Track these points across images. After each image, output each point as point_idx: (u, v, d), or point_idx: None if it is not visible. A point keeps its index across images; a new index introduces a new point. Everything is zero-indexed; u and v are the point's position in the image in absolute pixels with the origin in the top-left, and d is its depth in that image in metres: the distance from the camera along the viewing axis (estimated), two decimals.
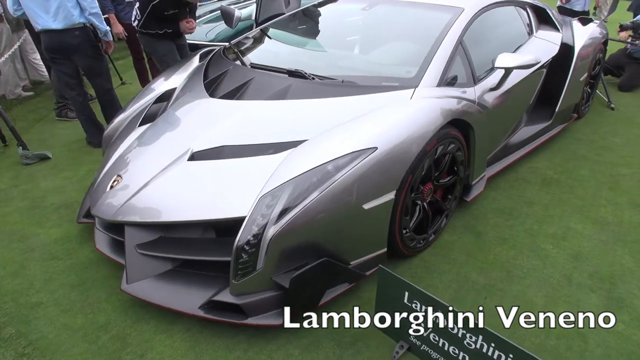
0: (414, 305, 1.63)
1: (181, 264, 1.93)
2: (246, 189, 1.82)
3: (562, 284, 2.04)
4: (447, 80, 2.22)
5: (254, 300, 1.72)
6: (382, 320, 1.76)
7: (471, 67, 2.37)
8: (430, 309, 1.57)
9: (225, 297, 1.74)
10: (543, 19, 3.27)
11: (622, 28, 4.08)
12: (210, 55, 3.01)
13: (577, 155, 3.12)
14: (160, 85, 2.84)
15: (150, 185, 1.98)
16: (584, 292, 1.99)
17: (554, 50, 3.04)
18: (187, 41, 5.29)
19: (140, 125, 2.45)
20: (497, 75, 2.44)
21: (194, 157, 2.03)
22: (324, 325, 1.72)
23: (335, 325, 1.81)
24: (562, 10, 4.73)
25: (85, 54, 3.25)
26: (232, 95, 2.34)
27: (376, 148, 1.78)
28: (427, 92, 2.08)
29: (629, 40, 4.07)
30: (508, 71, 2.33)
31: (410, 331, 1.68)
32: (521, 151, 2.93)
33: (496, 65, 2.23)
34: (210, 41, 4.98)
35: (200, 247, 1.90)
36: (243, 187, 1.84)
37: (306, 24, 3.05)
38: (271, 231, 1.67)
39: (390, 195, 1.83)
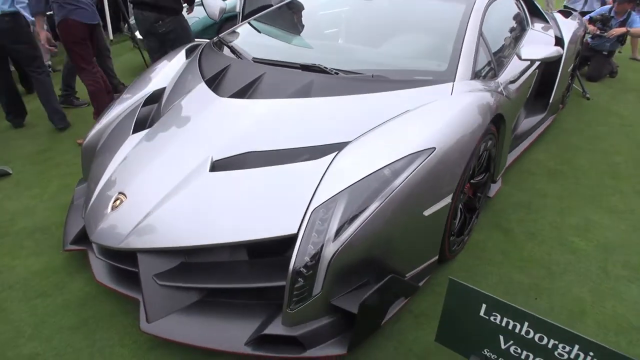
0: (492, 318, 1.46)
1: (208, 294, 1.62)
2: (289, 201, 1.55)
3: (601, 277, 1.99)
4: (477, 73, 2.08)
5: (310, 330, 1.46)
6: (449, 335, 1.60)
7: (492, 58, 2.25)
8: (512, 321, 1.43)
9: (277, 329, 1.46)
10: (532, 11, 3.26)
11: (592, 20, 4.23)
12: (198, 50, 2.65)
13: (572, 145, 3.15)
14: (146, 85, 2.45)
15: (167, 203, 1.64)
16: (623, 283, 1.95)
17: (552, 42, 3.03)
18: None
19: (134, 132, 2.07)
20: (516, 67, 2.35)
21: (215, 167, 1.72)
22: (381, 346, 1.52)
23: (395, 344, 1.63)
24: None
25: (15, 39, 3.24)
26: (243, 93, 2.03)
27: (434, 149, 1.58)
28: (465, 86, 1.92)
29: (597, 32, 4.24)
30: (530, 63, 2.24)
31: (485, 345, 1.53)
32: (525, 143, 2.89)
33: (523, 57, 2.13)
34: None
35: (233, 273, 1.60)
36: (285, 200, 1.56)
37: (304, 15, 2.78)
38: (330, 249, 1.42)
39: (448, 199, 1.65)
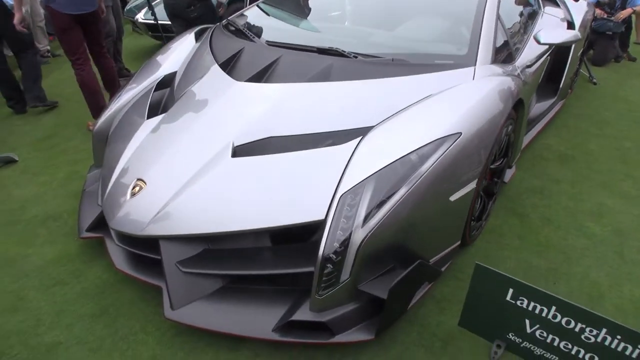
0: (519, 302, 1.46)
1: (231, 281, 1.61)
2: (315, 187, 1.52)
3: (617, 261, 1.99)
4: (496, 57, 2.04)
5: (338, 316, 1.45)
6: (473, 319, 1.61)
7: (509, 42, 2.21)
8: (539, 305, 1.43)
9: (306, 315, 1.45)
10: None
11: (599, 4, 4.19)
12: (208, 34, 2.58)
13: (581, 130, 3.14)
14: (156, 70, 2.39)
15: (189, 189, 1.61)
16: (639, 267, 1.97)
17: (565, 26, 2.99)
18: (146, 21, 4.67)
19: (148, 117, 2.02)
20: (532, 51, 2.31)
21: (237, 152, 1.68)
22: (406, 331, 1.53)
23: (418, 329, 1.63)
24: None
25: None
26: (259, 77, 1.98)
27: (460, 134, 1.55)
28: (487, 70, 1.88)
29: (605, 16, 4.20)
30: (546, 47, 2.20)
31: (510, 329, 1.53)
32: (537, 128, 2.88)
33: (542, 41, 2.09)
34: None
35: (257, 259, 1.58)
36: (310, 186, 1.53)
37: None
38: (359, 235, 1.40)
39: (473, 184, 1.63)
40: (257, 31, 2.42)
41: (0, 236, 2.13)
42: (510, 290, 1.47)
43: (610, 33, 4.26)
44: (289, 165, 1.60)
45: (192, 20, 3.34)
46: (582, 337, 1.38)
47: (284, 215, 1.50)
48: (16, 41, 3.35)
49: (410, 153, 1.50)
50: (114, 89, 3.34)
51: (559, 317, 1.40)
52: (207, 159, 1.67)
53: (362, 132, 1.65)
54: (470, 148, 1.58)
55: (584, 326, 1.36)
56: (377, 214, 1.42)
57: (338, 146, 1.61)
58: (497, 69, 1.95)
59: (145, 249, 1.68)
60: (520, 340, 1.52)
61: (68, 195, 2.44)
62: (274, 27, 2.54)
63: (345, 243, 1.39)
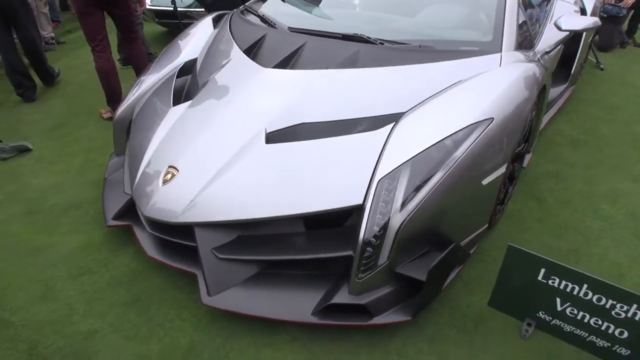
0: (550, 282, 1.49)
1: (266, 266, 1.62)
2: (350, 172, 1.52)
3: (634, 242, 2.03)
4: (519, 44, 2.04)
5: (376, 298, 1.47)
6: (503, 299, 1.64)
7: (529, 28, 2.21)
8: (571, 283, 1.46)
9: (345, 298, 1.47)
10: None
11: None
12: (226, 20, 2.55)
13: (591, 116, 3.17)
14: (176, 57, 2.35)
15: (223, 176, 1.60)
16: None
17: (579, 12, 2.99)
18: (154, 7, 4.58)
19: (174, 104, 2.00)
20: (550, 37, 2.32)
21: (269, 138, 1.67)
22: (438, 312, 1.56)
23: (449, 310, 1.67)
24: None
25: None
26: (285, 64, 1.96)
27: (492, 119, 1.56)
28: (512, 57, 1.87)
29: (613, 2, 4.21)
30: (564, 34, 2.21)
31: (540, 308, 1.57)
32: (550, 113, 2.90)
33: (564, 27, 2.10)
34: (187, 7, 4.35)
35: (293, 245, 1.58)
36: (346, 171, 1.53)
37: None
38: (397, 219, 1.41)
39: (503, 169, 1.65)
40: (277, 17, 2.39)
41: (22, 225, 2.11)
42: (542, 270, 1.50)
43: (621, 16, 4.27)
44: (323, 151, 1.60)
45: (208, 6, 3.32)
46: (613, 313, 1.41)
47: (321, 201, 1.50)
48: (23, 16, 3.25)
49: (445, 138, 1.50)
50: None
51: (590, 294, 1.43)
52: (240, 146, 1.66)
53: (393, 118, 1.65)
54: (501, 133, 1.59)
55: (614, 302, 1.40)
56: (415, 199, 1.43)
57: (372, 132, 1.61)
58: (520, 55, 1.95)
59: (178, 236, 1.68)
60: (551, 318, 1.55)
61: (87, 184, 2.42)
62: (293, 13, 2.51)
63: (384, 227, 1.40)
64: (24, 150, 2.68)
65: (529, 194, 2.35)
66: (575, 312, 1.48)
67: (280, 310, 1.51)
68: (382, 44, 1.94)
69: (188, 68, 2.27)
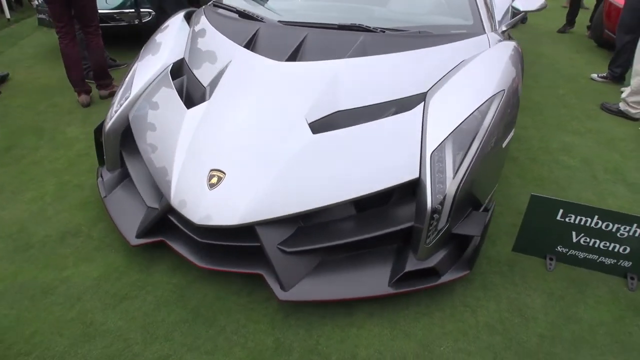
0: (567, 219, 1.78)
1: (329, 251, 1.64)
2: (399, 150, 1.61)
3: (594, 183, 2.42)
4: (492, 25, 2.30)
5: (439, 260, 1.60)
6: (525, 243, 1.89)
7: (492, 10, 2.49)
8: (584, 217, 1.76)
9: (416, 264, 1.57)
10: None
11: None
12: (200, 16, 2.41)
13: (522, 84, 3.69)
14: (159, 59, 2.17)
15: (276, 171, 1.56)
16: (611, 184, 2.41)
17: None
18: None
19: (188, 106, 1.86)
20: (507, 18, 2.65)
21: (314, 128, 1.67)
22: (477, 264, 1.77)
23: (486, 261, 1.87)
24: None
25: None
26: (294, 56, 1.96)
27: (504, 90, 1.75)
28: (494, 37, 2.11)
29: None
30: (519, 14, 2.55)
31: (558, 243, 1.86)
32: None
33: (522, 9, 2.43)
34: (112, 9, 3.92)
35: (352, 226, 1.63)
36: (394, 150, 1.61)
37: None
38: (453, 186, 1.53)
39: (513, 132, 1.89)
40: (259, 11, 2.34)
41: (15, 264, 1.79)
42: (560, 210, 1.77)
43: None
44: (367, 135, 1.65)
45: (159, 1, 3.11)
46: (618, 234, 1.74)
47: (379, 181, 1.56)
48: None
49: (474, 111, 1.67)
50: (102, 75, 3.20)
51: (600, 223, 1.74)
52: (284, 139, 1.64)
53: (418, 98, 1.77)
54: (511, 101, 1.80)
55: (619, 226, 1.72)
56: (463, 166, 1.57)
57: (406, 113, 1.70)
58: (497, 35, 2.21)
59: (234, 240, 1.61)
60: (567, 250, 1.85)
61: (73, 208, 2.12)
62: (272, 6, 2.46)
63: (444, 194, 1.54)
64: None
65: None
66: (588, 240, 1.79)
67: (357, 288, 1.56)
68: (384, 31, 2.04)
69: (176, 69, 2.12)
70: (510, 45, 2.03)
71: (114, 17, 3.93)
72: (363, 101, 1.77)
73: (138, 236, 1.76)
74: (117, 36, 4.03)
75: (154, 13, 4.11)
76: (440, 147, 1.58)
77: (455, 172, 1.56)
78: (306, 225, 1.62)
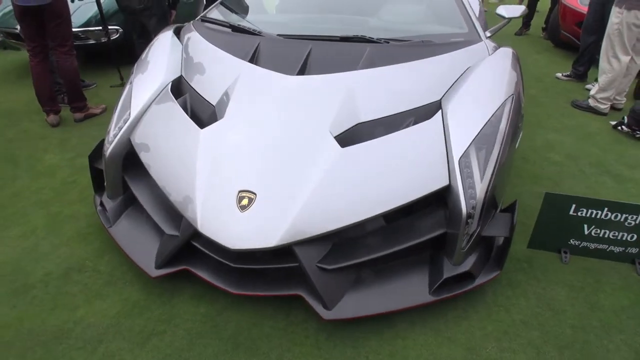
0: (579, 213, 1.89)
1: (364, 265, 1.63)
2: (426, 159, 1.64)
3: (583, 177, 2.59)
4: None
5: (472, 263, 1.64)
6: (540, 239, 1.99)
7: (479, 18, 2.62)
8: (595, 210, 1.88)
9: (453, 270, 1.59)
10: None
11: None
12: (191, 32, 2.35)
13: None
14: (156, 78, 2.07)
15: (310, 188, 1.52)
16: (598, 177, 2.59)
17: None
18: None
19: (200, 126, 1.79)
20: (484, 23, 2.79)
21: (340, 142, 1.66)
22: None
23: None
24: None
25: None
26: (302, 70, 1.95)
27: (513, 95, 1.85)
28: (491, 43, 2.21)
29: None
30: (504, 21, 2.70)
31: (571, 237, 1.97)
32: None
33: (507, 16, 2.57)
34: (78, 27, 3.71)
35: (386, 239, 1.63)
36: (421, 159, 1.64)
37: None
38: (481, 190, 1.59)
39: (521, 133, 1.99)
40: (252, 25, 2.31)
41: (19, 309, 1.61)
42: (573, 205, 1.89)
43: None
44: (395, 145, 1.67)
45: (141, 11, 3.13)
46: (625, 224, 1.87)
47: (411, 191, 1.58)
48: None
49: (491, 117, 1.73)
50: (77, 96, 3.06)
51: (610, 215, 1.87)
52: (314, 155, 1.61)
53: (433, 106, 1.82)
54: (519, 105, 1.90)
55: (627, 215, 1.85)
56: (488, 170, 1.63)
57: (428, 121, 1.74)
58: (491, 42, 2.32)
59: (267, 262, 1.56)
60: (579, 242, 1.97)
61: (72, 241, 1.96)
62: (265, 20, 2.44)
63: (475, 198, 1.59)
64: None
65: None
66: (598, 231, 1.91)
67: (400, 299, 1.56)
68: (388, 42, 2.09)
69: (174, 88, 2.03)
70: (509, 51, 2.14)
71: (79, 36, 3.72)
72: (382, 112, 1.79)
73: (158, 267, 1.66)
74: (81, 55, 3.82)
75: (121, 30, 3.94)
76: (466, 153, 1.63)
77: (482, 176, 1.61)
78: (340, 242, 1.61)
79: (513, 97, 1.84)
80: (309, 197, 1.52)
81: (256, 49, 2.07)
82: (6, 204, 2.21)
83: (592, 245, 1.95)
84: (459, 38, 2.21)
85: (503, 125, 1.74)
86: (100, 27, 3.66)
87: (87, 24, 3.76)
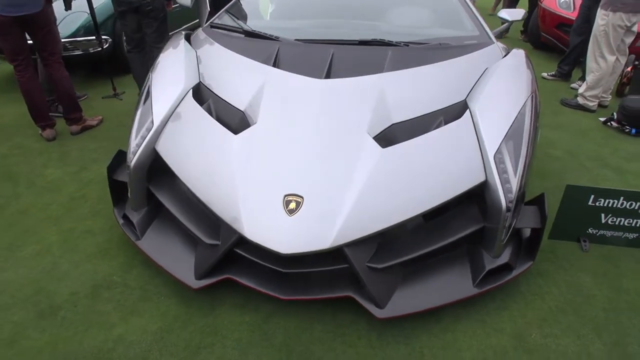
0: (597, 203, 2.03)
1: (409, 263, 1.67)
2: (462, 156, 1.71)
3: (584, 170, 2.75)
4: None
5: (509, 254, 1.73)
6: (560, 230, 2.11)
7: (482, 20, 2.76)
8: (612, 199, 2.02)
9: (493, 262, 1.66)
10: None
11: None
12: (205, 39, 2.36)
13: None
14: (176, 84, 2.05)
15: (356, 189, 1.55)
16: (599, 170, 2.77)
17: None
18: None
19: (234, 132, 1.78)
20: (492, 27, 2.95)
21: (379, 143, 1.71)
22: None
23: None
24: None
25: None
26: (329, 74, 1.99)
27: (532, 94, 1.97)
28: (502, 45, 2.33)
29: None
30: (506, 24, 2.86)
31: (589, 226, 2.10)
32: None
33: (510, 19, 2.73)
34: (65, 38, 3.59)
35: (428, 236, 1.69)
36: (458, 156, 1.71)
37: None
38: (516, 184, 1.68)
39: (540, 130, 2.11)
40: (266, 30, 2.34)
41: (49, 333, 1.54)
42: (592, 196, 2.02)
43: None
44: (431, 144, 1.73)
45: (145, 12, 3.07)
46: (639, 211, 2.04)
47: (450, 188, 1.64)
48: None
49: (517, 115, 1.83)
50: (72, 107, 2.93)
51: (625, 203, 2.01)
52: (355, 156, 1.64)
53: (459, 106, 1.90)
54: (537, 102, 2.03)
55: None
56: (519, 164, 1.72)
57: (459, 120, 1.81)
58: (501, 44, 2.46)
59: (316, 265, 1.58)
60: (597, 231, 2.10)
61: (93, 257, 1.90)
62: (277, 25, 2.47)
63: (512, 192, 1.68)
64: None
65: None
66: (615, 219, 2.05)
67: (446, 294, 1.61)
68: (407, 45, 2.17)
69: (194, 94, 2.01)
70: (521, 52, 2.27)
71: (66, 47, 3.61)
72: (413, 112, 1.86)
73: (199, 277, 1.64)
74: (68, 66, 3.71)
75: (110, 40, 3.86)
76: (499, 150, 1.72)
77: (516, 171, 1.70)
78: (385, 241, 1.65)
79: (532, 96, 1.96)
80: (356, 198, 1.56)
81: (277, 53, 2.10)
82: (14, 222, 2.11)
83: (609, 233, 2.08)
84: (472, 41, 2.33)
85: (527, 122, 1.84)
86: (90, 37, 3.57)
87: (74, 34, 3.64)
